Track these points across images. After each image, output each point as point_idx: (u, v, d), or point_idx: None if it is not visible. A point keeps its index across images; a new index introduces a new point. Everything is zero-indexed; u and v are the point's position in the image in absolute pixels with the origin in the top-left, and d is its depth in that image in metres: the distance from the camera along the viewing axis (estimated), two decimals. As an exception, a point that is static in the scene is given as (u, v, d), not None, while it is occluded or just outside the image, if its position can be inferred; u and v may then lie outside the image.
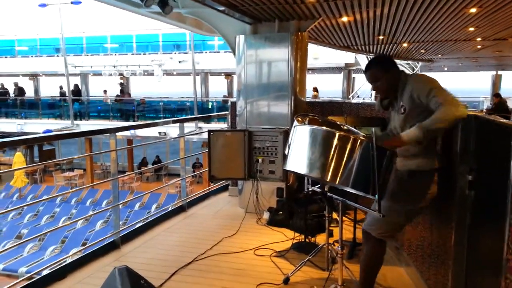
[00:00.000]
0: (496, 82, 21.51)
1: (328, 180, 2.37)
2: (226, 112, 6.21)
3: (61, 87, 21.66)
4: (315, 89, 17.89)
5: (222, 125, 14.03)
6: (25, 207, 13.29)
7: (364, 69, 2.64)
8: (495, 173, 1.93)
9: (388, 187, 2.54)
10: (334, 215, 4.12)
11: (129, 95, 23.00)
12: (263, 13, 4.75)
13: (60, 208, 13.41)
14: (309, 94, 16.47)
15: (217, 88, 28.84)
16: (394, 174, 2.54)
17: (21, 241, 4.62)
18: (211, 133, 4.99)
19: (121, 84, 21.64)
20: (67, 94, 20.21)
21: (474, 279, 2.19)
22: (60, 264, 3.52)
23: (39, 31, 25.17)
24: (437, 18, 5.80)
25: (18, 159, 16.39)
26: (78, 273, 3.44)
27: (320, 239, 3.94)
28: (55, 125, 20.17)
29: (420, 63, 16.95)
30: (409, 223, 2.69)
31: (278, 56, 4.94)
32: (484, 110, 14.85)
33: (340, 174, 2.32)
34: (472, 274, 2.21)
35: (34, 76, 26.21)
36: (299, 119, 2.85)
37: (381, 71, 2.53)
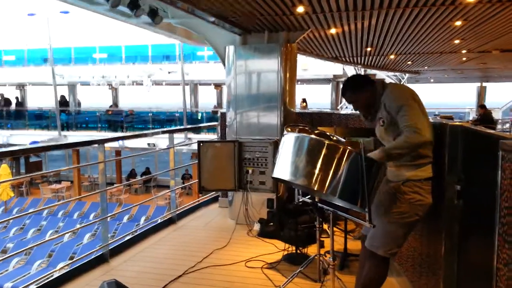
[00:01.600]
0: (481, 94, 21.92)
1: (315, 189, 2.37)
2: (216, 123, 6.20)
3: None
4: (304, 100, 17.99)
5: (212, 136, 14.02)
6: (11, 221, 13.01)
7: (341, 93, 2.70)
8: (483, 182, 1.96)
9: (382, 201, 2.54)
10: (325, 226, 4.12)
11: (117, 105, 22.92)
12: (253, 24, 4.80)
13: (47, 221, 13.16)
14: (297, 105, 16.54)
15: (207, 99, 28.85)
16: (387, 185, 2.54)
17: (7, 256, 4.50)
18: (201, 144, 4.97)
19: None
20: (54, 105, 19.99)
21: (465, 289, 2.20)
22: (47, 279, 3.45)
23: (27, 41, 25.02)
24: (423, 30, 5.91)
25: (3, 171, 16.11)
26: (66, 288, 3.38)
27: (311, 250, 3.93)
28: (42, 136, 19.93)
29: (407, 75, 17.21)
30: (409, 235, 2.67)
31: (268, 67, 4.98)
32: (470, 121, 15.09)
33: (327, 183, 2.31)
34: (463, 283, 2.22)
35: (21, 87, 25.93)
36: (289, 129, 2.86)
37: (354, 93, 2.59)
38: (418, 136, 2.27)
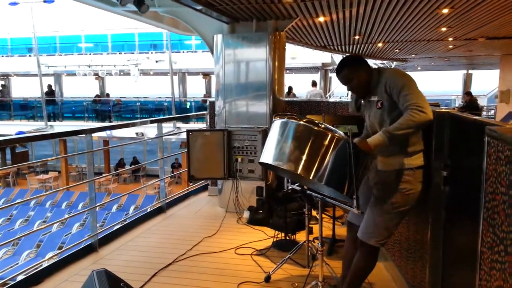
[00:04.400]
0: (467, 81, 22.14)
1: (301, 175, 2.35)
2: (205, 112, 6.18)
3: None
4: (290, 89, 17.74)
5: (201, 125, 13.95)
6: (-2, 212, 12.90)
7: (336, 72, 2.64)
8: (469, 168, 1.99)
9: (374, 192, 2.54)
10: (313, 213, 4.16)
11: (108, 95, 22.66)
12: (241, 13, 4.75)
13: (34, 211, 13.05)
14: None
15: (195, 88, 28.64)
16: (378, 175, 2.53)
17: (-6, 247, 4.49)
18: (190, 133, 4.96)
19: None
20: (40, 95, 19.68)
21: (451, 272, 2.25)
22: (35, 269, 3.43)
23: (10, 30, 24.46)
24: (411, 18, 5.93)
25: (-11, 162, 15.87)
26: (55, 278, 3.36)
27: (300, 236, 3.97)
28: (28, 126, 19.64)
29: (395, 63, 17.28)
30: (399, 224, 2.69)
31: (256, 56, 4.95)
32: (456, 108, 15.25)
33: (314, 170, 2.30)
34: (449, 267, 2.27)
35: (5, 77, 25.44)
36: (278, 118, 2.85)
37: (352, 71, 2.51)
38: (423, 114, 2.21)
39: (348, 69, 2.53)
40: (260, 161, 2.60)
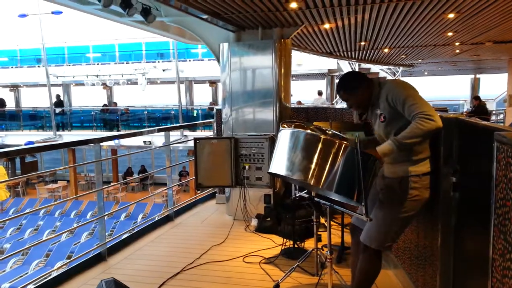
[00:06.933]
0: (475, 85, 22.00)
1: (311, 184, 2.36)
2: (212, 120, 6.20)
3: None
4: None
5: (208, 133, 13.99)
6: (7, 221, 12.98)
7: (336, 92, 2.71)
8: (479, 174, 1.97)
9: (379, 196, 2.54)
10: (322, 220, 4.13)
11: (116, 104, 22.85)
12: (246, 21, 4.78)
13: (43, 221, 13.12)
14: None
15: (202, 96, 28.79)
16: (383, 181, 2.54)
17: (4, 256, 4.51)
18: (197, 141, 4.97)
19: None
20: (48, 105, 19.91)
21: (462, 279, 2.22)
22: (45, 278, 3.45)
23: (19, 42, 24.82)
24: (417, 23, 5.92)
25: (-1, 172, 16.02)
26: (64, 287, 3.37)
27: (309, 244, 3.95)
28: (37, 136, 19.83)
29: (401, 68, 17.22)
30: (404, 229, 2.68)
31: (262, 63, 4.97)
32: (465, 113, 15.14)
33: (324, 178, 2.31)
34: (460, 274, 2.24)
35: (14, 88, 25.77)
36: (285, 126, 2.85)
37: (347, 92, 2.56)
38: (432, 122, 2.20)
39: (343, 92, 2.59)
40: (269, 171, 2.61)
